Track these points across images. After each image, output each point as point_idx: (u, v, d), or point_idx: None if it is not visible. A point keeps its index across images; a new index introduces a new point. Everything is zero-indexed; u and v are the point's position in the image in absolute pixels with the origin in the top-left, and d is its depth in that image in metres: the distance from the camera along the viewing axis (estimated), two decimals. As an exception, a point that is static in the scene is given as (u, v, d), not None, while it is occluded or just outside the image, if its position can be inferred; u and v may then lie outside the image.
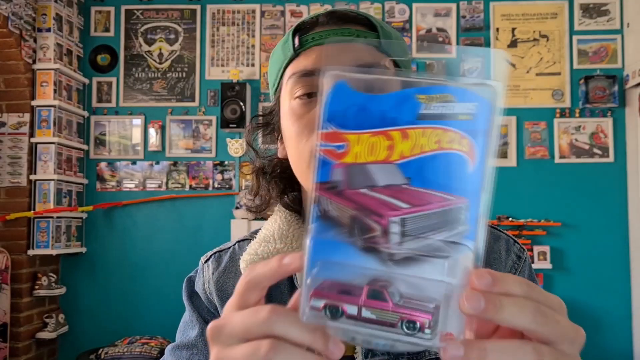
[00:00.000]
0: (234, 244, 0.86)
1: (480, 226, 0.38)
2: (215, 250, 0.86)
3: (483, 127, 0.38)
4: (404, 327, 0.37)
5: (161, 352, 3.27)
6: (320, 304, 0.38)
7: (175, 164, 3.91)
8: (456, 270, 0.37)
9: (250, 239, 0.83)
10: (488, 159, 0.38)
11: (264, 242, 0.76)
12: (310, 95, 0.71)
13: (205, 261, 0.85)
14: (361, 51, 0.71)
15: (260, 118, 0.84)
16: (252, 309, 0.41)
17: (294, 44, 0.74)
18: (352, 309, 0.38)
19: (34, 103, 3.56)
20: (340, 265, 0.38)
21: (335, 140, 0.39)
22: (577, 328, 0.40)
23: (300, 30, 0.75)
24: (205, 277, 0.82)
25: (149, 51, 3.99)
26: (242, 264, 0.76)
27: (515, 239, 0.82)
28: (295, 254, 0.40)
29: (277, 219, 0.80)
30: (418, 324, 0.37)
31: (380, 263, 0.38)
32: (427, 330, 0.37)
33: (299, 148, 0.71)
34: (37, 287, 3.51)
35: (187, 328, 0.81)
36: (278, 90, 0.78)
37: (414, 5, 3.89)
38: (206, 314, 0.81)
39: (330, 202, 0.39)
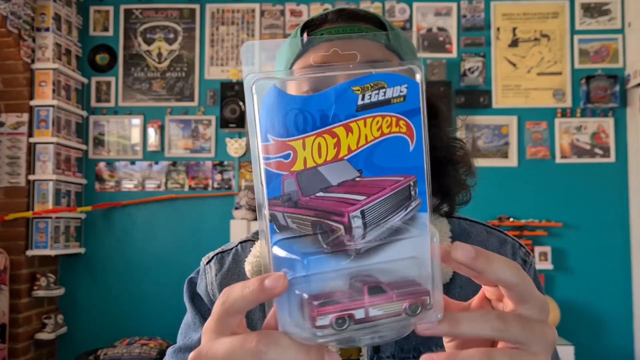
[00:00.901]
0: (237, 245, 0.84)
1: (428, 197, 0.40)
2: (217, 251, 0.85)
3: (415, 105, 0.40)
4: (409, 311, 0.39)
5: (160, 353, 3.26)
6: (327, 320, 0.38)
7: (174, 164, 3.89)
8: (422, 243, 0.39)
9: (254, 240, 0.81)
10: (424, 134, 0.40)
11: None
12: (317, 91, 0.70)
13: (207, 262, 0.83)
14: (371, 48, 0.70)
15: None
16: (238, 337, 0.39)
17: (302, 40, 0.73)
18: (359, 313, 0.38)
19: (32, 103, 3.55)
20: (316, 277, 0.38)
21: (279, 150, 0.38)
22: (546, 298, 0.42)
23: (309, 27, 0.74)
24: (208, 279, 0.81)
25: (148, 51, 3.97)
26: (248, 267, 0.75)
27: (521, 243, 0.81)
28: (277, 275, 0.37)
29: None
30: (420, 304, 0.39)
31: (352, 260, 0.38)
32: (428, 307, 0.39)
33: None
34: (35, 287, 3.49)
35: (189, 330, 0.80)
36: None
37: (415, 4, 3.88)
38: (208, 316, 0.79)
39: (287, 216, 0.38)
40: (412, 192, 0.40)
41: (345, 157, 0.39)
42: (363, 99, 0.39)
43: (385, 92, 0.39)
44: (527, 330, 0.39)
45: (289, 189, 0.38)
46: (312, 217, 0.39)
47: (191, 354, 0.41)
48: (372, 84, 0.39)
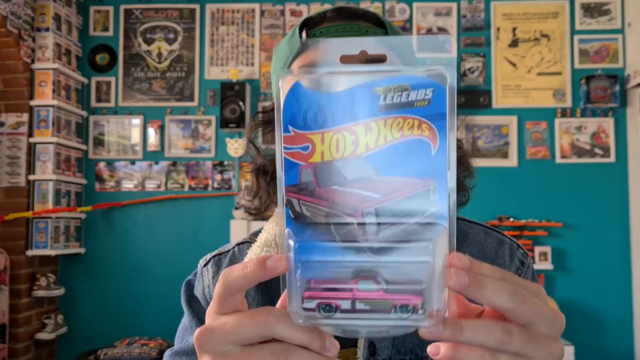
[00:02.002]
0: (233, 247, 0.84)
1: (450, 204, 0.40)
2: (214, 253, 0.84)
3: (440, 110, 0.39)
4: (398, 312, 0.39)
5: (160, 353, 3.26)
6: (313, 304, 0.39)
7: (174, 164, 3.89)
8: (435, 249, 0.38)
9: (250, 242, 0.81)
10: (449, 140, 0.39)
11: (265, 247, 0.75)
12: None
13: (205, 265, 0.83)
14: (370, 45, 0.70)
15: (262, 115, 0.82)
16: (246, 312, 0.41)
17: (301, 38, 0.73)
18: (345, 304, 0.39)
19: (32, 103, 3.55)
20: (323, 263, 0.39)
21: (299, 142, 0.40)
22: (556, 311, 0.41)
23: (307, 25, 0.74)
24: (205, 281, 0.81)
25: (148, 51, 3.97)
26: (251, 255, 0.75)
27: (519, 244, 0.80)
28: (279, 255, 0.40)
29: (278, 222, 0.78)
30: (411, 307, 0.38)
31: (361, 255, 0.39)
32: (420, 311, 0.38)
33: None
34: (35, 287, 3.49)
35: (186, 333, 0.79)
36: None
37: (415, 4, 3.88)
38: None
39: (302, 203, 0.40)
40: (432, 197, 0.39)
41: (363, 155, 0.40)
42: (385, 99, 0.39)
43: (408, 95, 0.39)
44: (530, 345, 0.39)
45: (305, 178, 0.40)
46: (326, 208, 0.40)
47: (197, 330, 0.42)
48: (395, 86, 0.39)
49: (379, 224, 0.39)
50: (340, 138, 0.40)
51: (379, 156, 0.40)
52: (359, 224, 0.40)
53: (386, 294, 0.39)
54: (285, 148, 0.40)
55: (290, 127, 0.40)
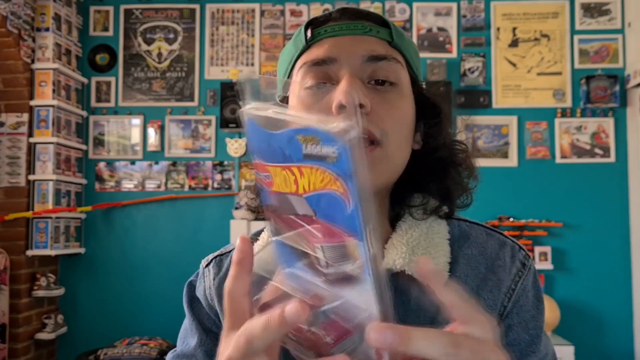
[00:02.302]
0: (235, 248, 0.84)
1: (369, 264, 0.38)
2: (216, 253, 0.84)
3: (346, 170, 0.37)
4: (309, 355, 0.43)
5: (160, 353, 3.26)
6: None
7: (174, 164, 3.89)
8: (368, 298, 0.39)
9: (252, 242, 0.81)
10: (359, 200, 0.37)
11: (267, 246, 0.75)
12: (320, 86, 0.70)
13: (206, 265, 0.82)
14: (375, 44, 0.71)
15: None
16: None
17: (306, 36, 0.73)
18: None
19: (32, 103, 3.55)
20: (295, 277, 0.43)
21: (262, 170, 0.43)
22: (499, 356, 0.40)
23: (313, 24, 0.75)
24: (206, 282, 0.80)
25: (148, 51, 3.97)
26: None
27: (521, 246, 0.79)
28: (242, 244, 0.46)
29: None
30: (315, 354, 0.43)
31: (320, 281, 0.42)
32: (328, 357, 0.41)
33: None
34: (35, 287, 3.49)
35: (187, 336, 0.79)
36: (287, 83, 0.76)
37: (415, 4, 3.88)
38: (207, 321, 0.78)
39: (275, 223, 0.44)
40: (357, 252, 0.38)
41: (303, 195, 0.40)
42: (306, 148, 0.38)
43: (321, 149, 0.38)
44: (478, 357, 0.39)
45: (272, 202, 0.43)
46: (291, 232, 0.43)
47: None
48: (310, 137, 0.38)
49: (326, 260, 0.40)
50: (286, 175, 0.41)
51: (313, 200, 0.40)
52: (314, 255, 0.41)
53: (307, 333, 0.42)
54: (256, 173, 0.43)
55: (254, 156, 0.42)
